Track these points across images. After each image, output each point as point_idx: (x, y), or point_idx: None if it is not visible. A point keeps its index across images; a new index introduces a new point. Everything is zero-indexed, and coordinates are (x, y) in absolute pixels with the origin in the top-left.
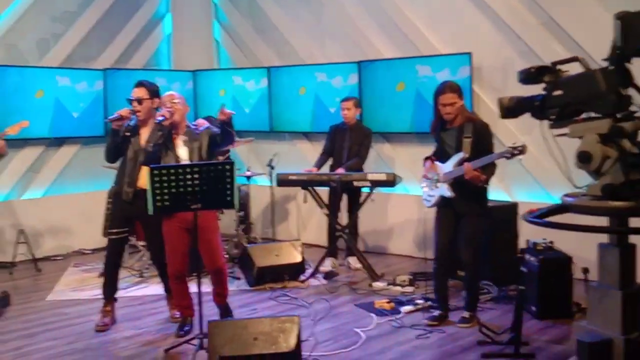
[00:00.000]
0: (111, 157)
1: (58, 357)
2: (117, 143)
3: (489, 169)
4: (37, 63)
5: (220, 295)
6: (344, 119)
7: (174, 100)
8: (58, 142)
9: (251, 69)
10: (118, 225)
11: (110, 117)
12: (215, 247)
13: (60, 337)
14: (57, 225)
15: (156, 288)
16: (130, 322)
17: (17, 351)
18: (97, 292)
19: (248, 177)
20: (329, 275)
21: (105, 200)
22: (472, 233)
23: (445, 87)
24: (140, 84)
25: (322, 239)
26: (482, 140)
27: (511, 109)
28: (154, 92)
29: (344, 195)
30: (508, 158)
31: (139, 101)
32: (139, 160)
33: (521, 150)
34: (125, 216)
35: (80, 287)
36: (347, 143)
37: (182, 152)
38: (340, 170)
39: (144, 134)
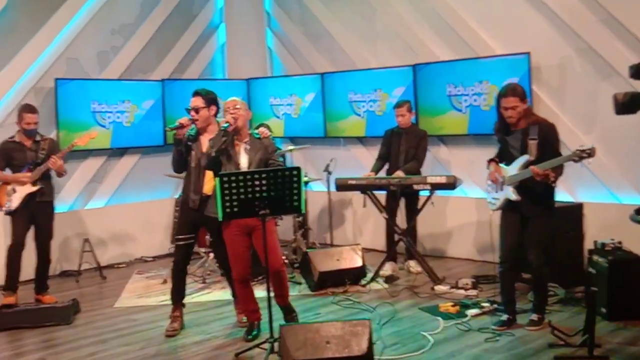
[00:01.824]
0: (177, 166)
1: None
2: (181, 152)
3: (557, 169)
4: (97, 76)
5: (281, 297)
6: (398, 124)
7: (237, 106)
8: (119, 152)
9: (304, 75)
10: (185, 231)
11: (171, 126)
12: (274, 249)
13: (133, 343)
14: (119, 234)
15: (219, 294)
16: (198, 327)
17: (92, 357)
18: (162, 298)
19: (305, 183)
20: (389, 279)
21: (167, 209)
22: (539, 235)
23: (508, 91)
24: (196, 93)
25: (379, 243)
26: (548, 142)
27: (626, 104)
28: (211, 100)
29: (402, 198)
30: (576, 161)
31: (196, 110)
32: (201, 167)
33: (589, 153)
34: (192, 223)
35: (145, 293)
36: (403, 147)
37: (243, 161)
38: (399, 173)
39: (205, 141)
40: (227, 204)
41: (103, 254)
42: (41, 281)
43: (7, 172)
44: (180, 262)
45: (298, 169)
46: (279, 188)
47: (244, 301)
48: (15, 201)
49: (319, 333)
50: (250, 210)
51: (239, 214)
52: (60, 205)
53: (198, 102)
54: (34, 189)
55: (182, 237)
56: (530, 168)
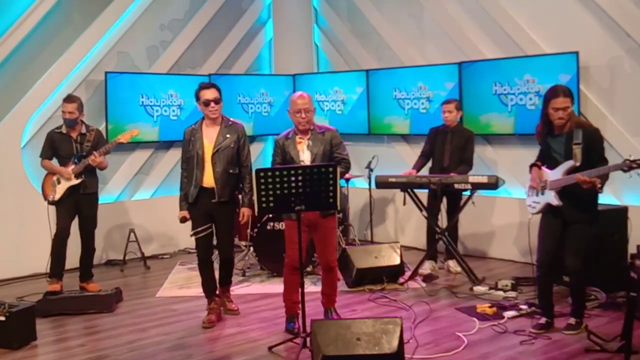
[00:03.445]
0: None
1: (169, 351)
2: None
3: (603, 175)
4: (146, 70)
5: (327, 296)
6: (445, 121)
7: (307, 108)
8: (166, 145)
9: (350, 72)
10: (200, 223)
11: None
12: (331, 245)
13: (170, 332)
14: (164, 225)
15: (258, 287)
16: (234, 319)
17: (131, 344)
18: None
19: (347, 180)
20: (428, 278)
21: None
22: (580, 242)
23: (559, 91)
24: (211, 85)
25: (420, 242)
26: (593, 147)
27: None
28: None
29: (443, 197)
30: (625, 171)
31: (216, 101)
32: (204, 160)
33: None
34: (205, 213)
35: (186, 284)
36: (449, 146)
37: (305, 157)
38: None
39: (208, 133)
40: (263, 198)
41: (148, 245)
42: (85, 269)
43: (54, 163)
44: (204, 254)
45: (334, 165)
46: (314, 184)
47: (288, 290)
48: (58, 193)
49: (350, 329)
50: (285, 206)
51: (274, 209)
52: (108, 196)
53: (216, 93)
54: (76, 182)
55: (200, 229)
56: (576, 177)
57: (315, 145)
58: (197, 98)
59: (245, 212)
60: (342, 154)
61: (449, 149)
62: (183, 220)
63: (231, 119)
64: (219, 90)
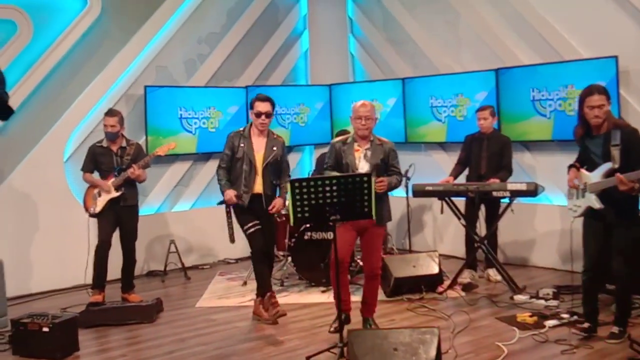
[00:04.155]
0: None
1: None
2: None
3: None
4: (185, 83)
5: (367, 305)
6: (480, 128)
7: (369, 117)
8: (204, 157)
9: (386, 80)
10: (249, 220)
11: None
12: (377, 253)
13: (209, 343)
14: (204, 236)
15: (297, 297)
16: (274, 329)
17: (170, 355)
18: (241, 299)
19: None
20: (467, 287)
21: None
22: (625, 244)
23: (593, 89)
24: (266, 99)
25: (459, 250)
26: (633, 148)
27: None
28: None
29: (482, 205)
30: None
31: (268, 115)
32: (256, 168)
33: None
34: (250, 211)
35: (226, 294)
36: (485, 153)
37: (362, 166)
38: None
39: (256, 142)
40: (299, 209)
41: (188, 256)
42: (127, 280)
43: (96, 176)
44: (259, 244)
45: (368, 175)
46: (349, 194)
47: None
48: (99, 205)
49: (387, 339)
50: (320, 216)
51: (310, 219)
52: (148, 207)
53: (269, 107)
54: (116, 194)
55: (251, 224)
56: (616, 176)
57: (374, 156)
58: (251, 107)
59: (277, 201)
60: (397, 166)
61: (486, 156)
62: (236, 197)
63: (275, 132)
64: (273, 105)
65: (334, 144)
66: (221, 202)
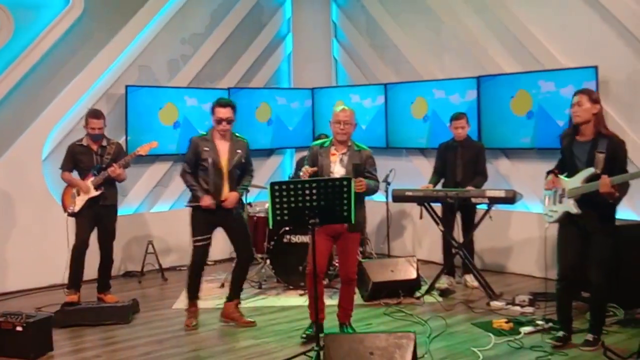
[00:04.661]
0: None
1: None
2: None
3: (623, 189)
4: (166, 83)
5: (344, 310)
6: (456, 137)
7: (347, 122)
8: (185, 158)
9: (368, 85)
10: (204, 232)
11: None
12: (353, 258)
13: (185, 344)
14: (182, 237)
15: (274, 300)
16: (250, 332)
17: (146, 356)
18: (218, 302)
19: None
20: (445, 293)
21: None
22: (602, 252)
23: (577, 91)
24: (227, 104)
25: (438, 256)
26: (617, 158)
27: None
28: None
29: (457, 211)
30: None
31: (229, 121)
32: (221, 171)
33: None
34: (209, 223)
35: (203, 296)
36: (460, 160)
37: (337, 170)
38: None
39: (220, 146)
40: (278, 211)
41: (166, 257)
42: (103, 281)
43: (75, 175)
44: (202, 260)
45: (348, 179)
46: (329, 198)
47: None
48: (78, 204)
49: (363, 344)
50: (300, 219)
51: (288, 222)
52: (127, 208)
53: (230, 113)
54: (96, 193)
55: (201, 237)
56: (602, 178)
57: (350, 161)
58: (212, 112)
59: (231, 195)
60: (373, 173)
61: (461, 164)
62: (212, 204)
63: (237, 134)
64: (234, 109)
65: (313, 147)
66: (190, 204)
